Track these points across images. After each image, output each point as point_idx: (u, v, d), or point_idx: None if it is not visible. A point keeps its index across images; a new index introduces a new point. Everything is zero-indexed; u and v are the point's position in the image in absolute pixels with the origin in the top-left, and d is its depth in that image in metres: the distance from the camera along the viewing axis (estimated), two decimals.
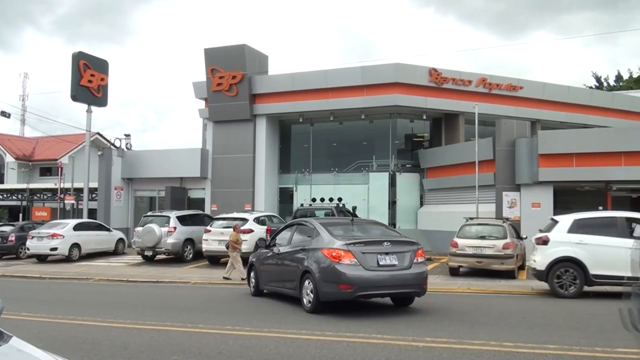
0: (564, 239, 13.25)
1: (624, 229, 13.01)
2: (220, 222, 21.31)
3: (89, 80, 29.60)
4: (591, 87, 48.95)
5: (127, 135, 33.65)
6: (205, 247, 21.13)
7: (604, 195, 21.69)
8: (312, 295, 10.63)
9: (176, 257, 22.58)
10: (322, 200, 23.36)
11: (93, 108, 30.25)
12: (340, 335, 8.52)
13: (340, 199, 23.35)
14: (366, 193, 28.52)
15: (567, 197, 22.35)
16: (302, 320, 10.00)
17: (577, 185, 22.15)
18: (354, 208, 23.56)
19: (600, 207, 21.09)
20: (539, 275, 13.53)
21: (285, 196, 30.80)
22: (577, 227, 13.32)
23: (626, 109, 33.31)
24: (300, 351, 7.60)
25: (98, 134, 42.83)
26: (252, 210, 25.80)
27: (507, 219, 19.23)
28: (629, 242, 12.64)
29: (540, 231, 14.30)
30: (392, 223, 28.21)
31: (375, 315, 10.65)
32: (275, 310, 11.21)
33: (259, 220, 21.58)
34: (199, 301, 13.21)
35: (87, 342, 8.26)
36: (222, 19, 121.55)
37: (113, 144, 34.97)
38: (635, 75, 50.73)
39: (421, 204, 28.88)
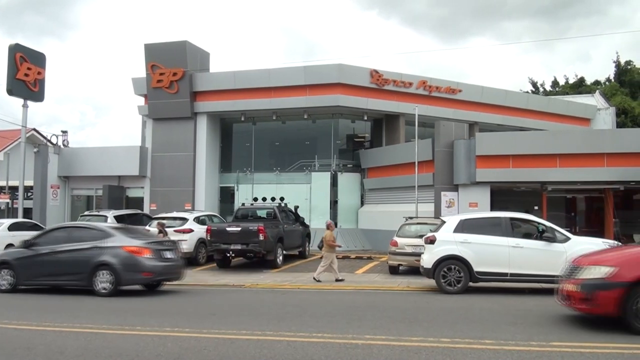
0: (449, 238, 13.73)
1: (508, 228, 13.64)
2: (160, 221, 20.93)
3: (26, 74, 28.48)
4: (527, 92, 50.23)
5: (64, 132, 32.80)
6: None
7: (540, 195, 22.34)
8: (109, 284, 13.33)
9: None
10: (264, 199, 23.26)
11: (29, 103, 29.09)
12: (281, 335, 8.53)
13: (282, 199, 23.32)
14: (308, 192, 28.60)
15: (503, 197, 22.93)
16: (243, 320, 9.96)
17: (514, 185, 22.74)
18: (296, 207, 23.59)
19: (536, 207, 21.81)
20: (427, 272, 13.97)
21: (227, 195, 30.55)
22: (463, 227, 13.85)
23: (561, 113, 34.59)
24: (240, 352, 7.57)
25: (34, 130, 41.28)
26: (193, 210, 25.56)
27: None
28: (512, 241, 13.35)
29: (431, 231, 14.76)
30: (334, 222, 28.38)
31: (316, 314, 10.72)
32: (214, 311, 11.14)
33: (199, 220, 21.39)
34: (137, 303, 12.98)
35: (21, 347, 8.01)
36: (163, 14, 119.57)
37: (49, 141, 33.90)
38: (571, 82, 52.22)
39: (362, 204, 29.15)
